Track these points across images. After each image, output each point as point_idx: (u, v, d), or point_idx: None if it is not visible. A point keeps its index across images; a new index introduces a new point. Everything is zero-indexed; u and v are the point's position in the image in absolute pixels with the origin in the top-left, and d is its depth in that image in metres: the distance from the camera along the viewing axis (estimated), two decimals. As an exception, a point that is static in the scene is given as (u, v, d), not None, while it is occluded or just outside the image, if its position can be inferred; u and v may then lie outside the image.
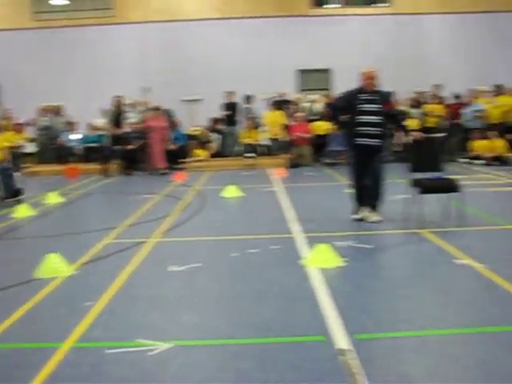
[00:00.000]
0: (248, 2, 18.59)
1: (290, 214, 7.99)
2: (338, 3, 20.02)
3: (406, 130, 7.42)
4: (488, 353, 3.37)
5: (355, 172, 7.30)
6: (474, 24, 19.25)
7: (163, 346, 3.60)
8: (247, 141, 15.60)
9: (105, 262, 5.79)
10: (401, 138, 12.65)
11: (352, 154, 7.29)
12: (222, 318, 4.15)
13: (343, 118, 7.44)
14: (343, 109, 7.33)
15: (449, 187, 6.89)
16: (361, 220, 7.25)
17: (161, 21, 18.43)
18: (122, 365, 3.38)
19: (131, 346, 3.60)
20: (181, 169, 14.32)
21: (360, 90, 7.22)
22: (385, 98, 7.44)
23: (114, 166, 14.66)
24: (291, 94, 16.98)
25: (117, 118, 14.76)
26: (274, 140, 15.82)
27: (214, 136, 16.29)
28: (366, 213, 7.24)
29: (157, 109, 14.73)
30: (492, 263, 5.19)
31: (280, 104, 16.10)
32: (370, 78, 7.17)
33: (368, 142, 7.11)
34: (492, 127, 14.86)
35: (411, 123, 14.71)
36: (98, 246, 6.43)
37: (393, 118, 7.45)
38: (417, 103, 16.31)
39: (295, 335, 3.71)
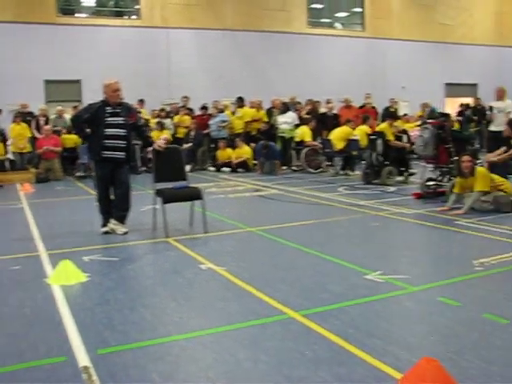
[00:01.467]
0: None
1: (35, 231, 7.60)
2: (88, 13, 19.69)
3: (151, 142, 7.54)
4: (228, 351, 3.55)
5: (101, 185, 7.20)
6: (218, 40, 20.36)
7: None
8: (-10, 155, 14.51)
9: None
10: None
11: (98, 166, 7.18)
12: None
13: (88, 130, 7.31)
14: (88, 121, 7.16)
15: (192, 195, 7.18)
16: (109, 233, 7.18)
17: None
18: None
19: None
20: None
21: (105, 103, 7.14)
22: (129, 110, 7.45)
23: None
24: (38, 105, 16.18)
25: None
26: (21, 154, 14.94)
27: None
28: (113, 225, 7.19)
29: None
30: (232, 265, 5.52)
31: (24, 116, 15.27)
32: (114, 90, 7.13)
33: (114, 154, 7.08)
34: (236, 136, 15.84)
35: (164, 134, 15.10)
36: None
37: (138, 130, 7.52)
38: (166, 114, 16.74)
39: (35, 359, 3.52)
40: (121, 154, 7.13)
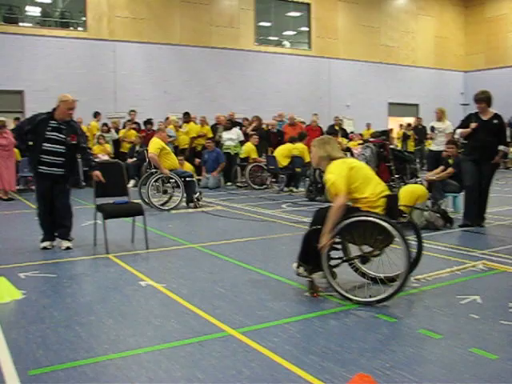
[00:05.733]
0: None
1: (-31, 247, 7.36)
2: (32, 22, 19.31)
3: (92, 165, 7.22)
4: (164, 370, 3.51)
5: (41, 199, 6.98)
6: (166, 55, 20.33)
7: None
8: None
9: None
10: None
11: (37, 181, 7.02)
12: None
13: (30, 142, 7.04)
14: (29, 132, 6.87)
15: (133, 211, 7.09)
16: (48, 248, 7.00)
17: None
18: None
19: None
20: None
21: (50, 116, 6.86)
22: (74, 129, 7.03)
23: None
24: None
25: None
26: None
27: None
28: (52, 242, 7.02)
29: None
30: (172, 282, 5.49)
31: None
32: (69, 108, 6.87)
33: (51, 170, 6.85)
34: (182, 152, 15.78)
35: (107, 146, 14.92)
36: None
37: (80, 152, 7.16)
38: (108, 129, 16.65)
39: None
40: (58, 171, 6.88)
